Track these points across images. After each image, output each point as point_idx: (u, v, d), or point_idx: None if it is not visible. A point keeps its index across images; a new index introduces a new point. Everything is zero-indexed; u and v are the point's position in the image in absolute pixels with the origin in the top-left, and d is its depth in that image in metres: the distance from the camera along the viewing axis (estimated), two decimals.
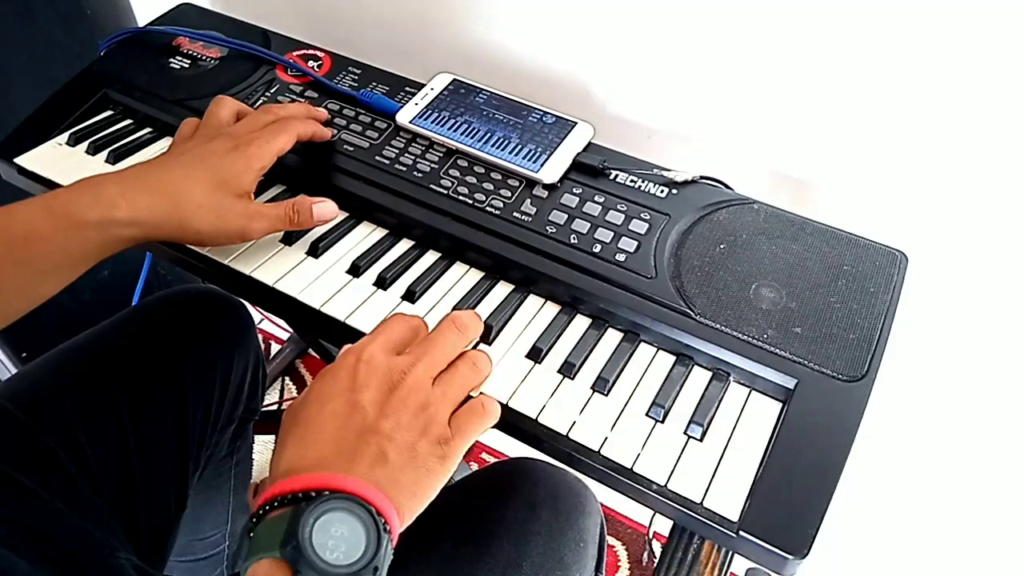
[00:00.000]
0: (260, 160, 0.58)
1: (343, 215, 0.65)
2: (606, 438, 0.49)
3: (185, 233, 0.55)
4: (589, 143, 0.67)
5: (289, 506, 0.37)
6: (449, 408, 0.44)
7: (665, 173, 0.64)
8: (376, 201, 0.64)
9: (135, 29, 0.79)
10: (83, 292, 1.03)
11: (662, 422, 0.51)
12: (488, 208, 0.62)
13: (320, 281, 0.59)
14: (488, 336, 0.55)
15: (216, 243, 0.58)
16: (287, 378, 1.39)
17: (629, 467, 0.48)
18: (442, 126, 0.67)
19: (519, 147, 0.65)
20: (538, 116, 0.68)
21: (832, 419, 0.49)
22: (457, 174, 0.65)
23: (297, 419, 0.43)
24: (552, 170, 0.63)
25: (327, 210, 0.60)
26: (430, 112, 0.69)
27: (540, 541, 0.55)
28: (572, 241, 0.60)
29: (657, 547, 1.16)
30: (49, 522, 0.54)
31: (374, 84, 0.72)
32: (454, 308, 0.57)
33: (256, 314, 1.31)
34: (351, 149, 0.67)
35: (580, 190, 0.63)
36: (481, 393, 0.49)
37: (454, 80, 0.72)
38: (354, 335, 0.56)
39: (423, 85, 0.71)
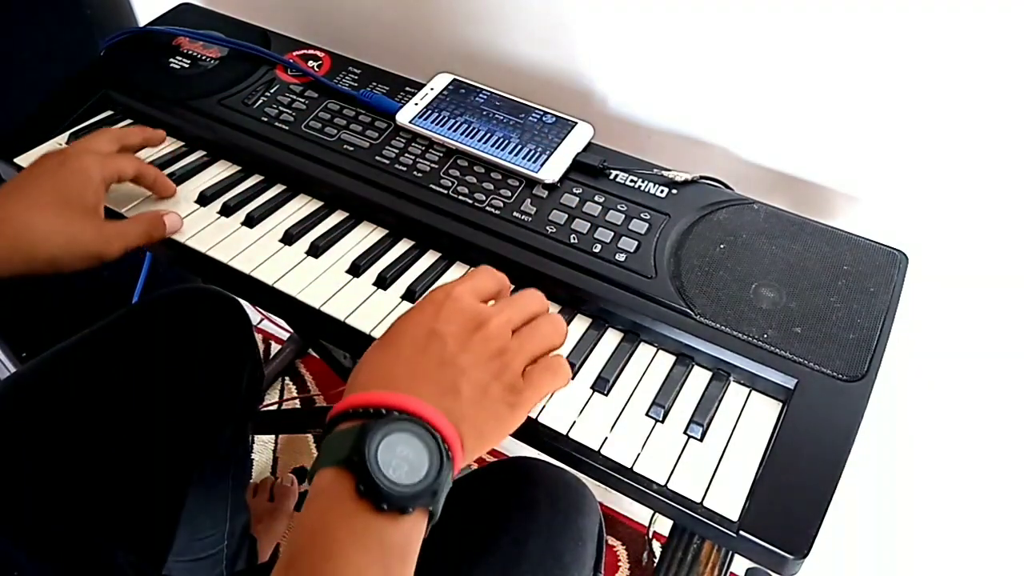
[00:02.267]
0: (99, 171, 0.57)
1: (343, 215, 0.65)
2: (606, 438, 0.49)
3: (37, 262, 0.54)
4: (589, 143, 0.67)
5: (359, 420, 0.37)
6: (525, 360, 0.44)
7: (665, 173, 0.64)
8: (376, 201, 0.64)
9: (135, 29, 0.79)
10: (82, 292, 1.03)
11: (662, 422, 0.51)
12: (488, 208, 0.62)
13: (320, 281, 0.59)
14: None
15: (74, 267, 0.56)
16: (287, 378, 1.39)
17: (629, 467, 0.48)
18: (442, 126, 0.67)
19: (519, 147, 0.65)
20: (538, 116, 0.68)
21: (832, 419, 0.49)
22: (457, 174, 0.65)
23: (379, 343, 0.43)
24: (552, 170, 0.63)
25: (176, 221, 0.61)
26: (430, 112, 0.69)
27: (539, 540, 0.55)
28: (572, 241, 0.60)
29: (657, 547, 1.16)
30: (48, 522, 0.54)
31: (374, 84, 0.72)
32: None
33: (256, 314, 1.31)
34: (351, 149, 0.67)
35: (580, 190, 0.63)
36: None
37: (454, 80, 0.72)
38: (354, 335, 0.56)
39: (423, 85, 0.71)
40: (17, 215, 0.53)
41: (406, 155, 0.66)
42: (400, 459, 0.36)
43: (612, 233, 0.60)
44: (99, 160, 0.58)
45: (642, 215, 0.61)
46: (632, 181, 0.64)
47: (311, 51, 0.76)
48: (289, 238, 0.62)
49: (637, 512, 1.20)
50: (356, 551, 0.34)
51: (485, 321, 0.43)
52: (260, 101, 0.71)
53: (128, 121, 0.73)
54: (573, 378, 0.53)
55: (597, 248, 0.59)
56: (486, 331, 0.43)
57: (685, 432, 0.50)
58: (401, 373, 0.41)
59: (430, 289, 0.46)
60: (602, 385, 0.52)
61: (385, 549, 0.35)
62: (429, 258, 0.62)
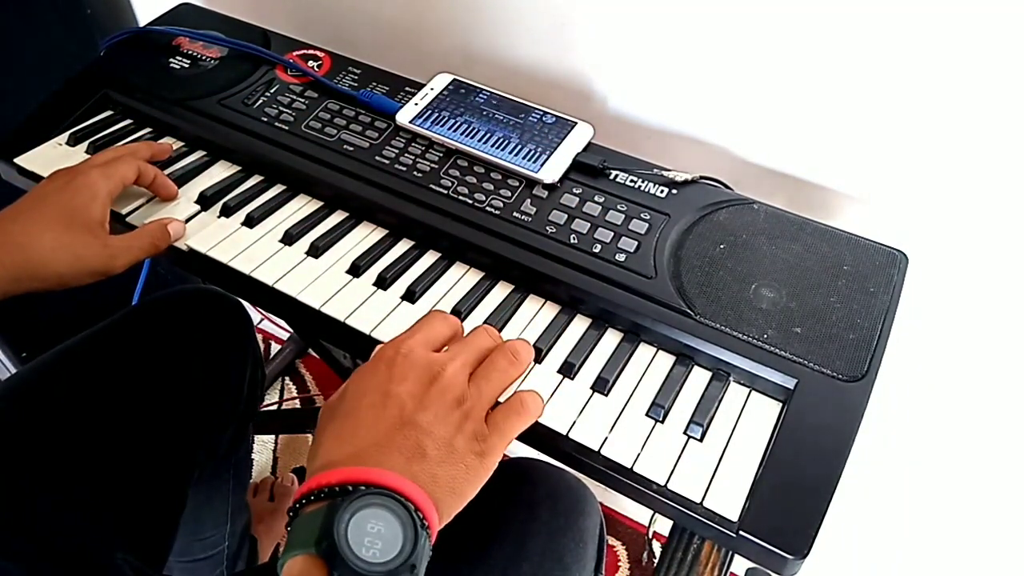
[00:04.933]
0: (104, 185, 0.57)
1: (343, 215, 0.65)
2: (606, 438, 0.49)
3: (45, 281, 0.55)
4: (589, 143, 0.67)
5: (325, 500, 0.36)
6: (486, 403, 0.43)
7: (665, 173, 0.64)
8: (376, 201, 0.64)
9: (135, 29, 0.79)
10: (82, 292, 1.03)
11: (662, 422, 0.51)
12: (488, 208, 0.62)
13: (320, 281, 0.59)
14: None
15: (80, 283, 0.57)
16: (287, 378, 1.39)
17: (629, 467, 0.48)
18: (442, 126, 0.67)
19: (519, 147, 0.65)
20: (538, 116, 0.68)
21: (832, 419, 0.49)
22: (457, 174, 0.65)
23: (334, 413, 0.42)
24: (552, 170, 0.63)
25: (180, 228, 0.62)
26: (430, 112, 0.69)
27: (539, 541, 0.55)
28: (572, 241, 0.60)
29: (657, 547, 1.16)
30: (48, 523, 0.54)
31: (374, 84, 0.72)
32: (454, 308, 0.57)
33: (256, 314, 1.31)
34: (351, 149, 0.67)
35: (580, 190, 0.63)
36: (523, 390, 0.47)
37: (454, 80, 0.72)
38: (354, 335, 0.56)
39: (423, 85, 0.71)
40: (25, 235, 0.54)
41: (406, 155, 0.66)
42: (373, 536, 0.34)
43: (612, 233, 0.60)
44: (103, 173, 0.58)
45: (642, 215, 0.61)
46: (632, 181, 0.64)
47: (311, 51, 0.76)
48: (289, 238, 0.62)
49: (637, 512, 1.20)
50: None
51: (439, 372, 0.42)
52: (260, 101, 0.71)
53: (128, 121, 0.73)
54: (573, 378, 0.53)
55: (597, 248, 0.59)
56: (442, 382, 0.42)
57: (685, 432, 0.50)
58: (362, 444, 0.39)
59: (380, 348, 0.45)
60: (602, 385, 0.52)
61: None
62: (429, 258, 0.62)
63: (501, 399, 0.45)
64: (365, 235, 0.64)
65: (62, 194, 0.56)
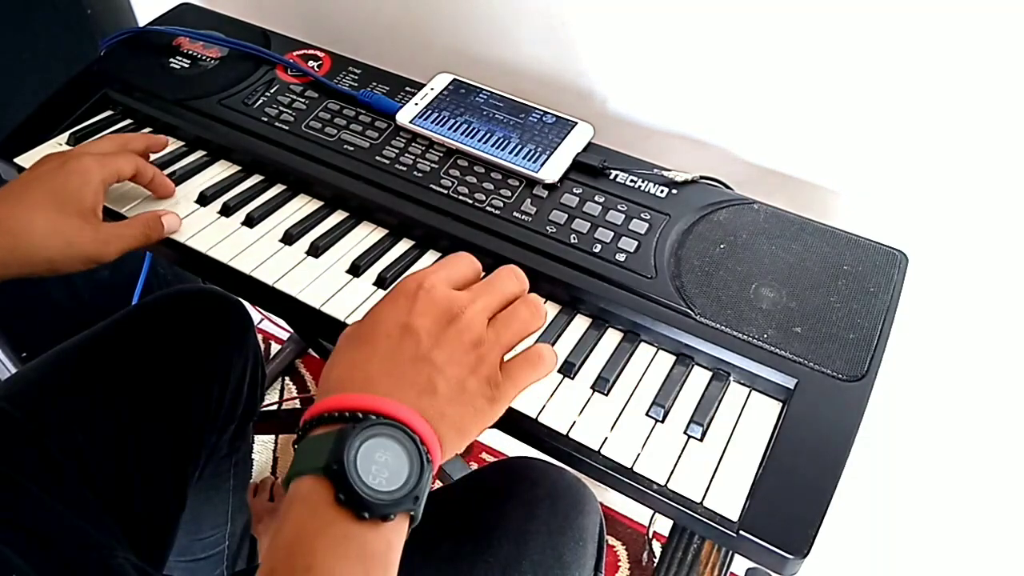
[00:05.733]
0: (98, 172, 0.56)
1: (343, 215, 0.65)
2: (606, 438, 0.49)
3: (35, 266, 0.54)
4: (589, 143, 0.67)
5: (336, 424, 0.36)
6: (502, 350, 0.43)
7: (665, 173, 0.64)
8: (376, 201, 0.64)
9: (135, 29, 0.79)
10: (82, 292, 1.03)
11: (662, 422, 0.51)
12: (488, 208, 0.62)
13: (320, 281, 0.59)
14: None
15: (71, 269, 0.56)
16: (287, 378, 1.39)
17: (629, 467, 0.48)
18: (442, 126, 0.67)
19: (519, 147, 0.65)
20: (538, 116, 0.68)
21: (832, 419, 0.49)
22: (457, 174, 0.65)
23: (351, 338, 0.42)
24: (552, 170, 0.63)
25: (175, 221, 0.61)
26: (430, 112, 0.69)
27: (539, 540, 0.55)
28: (572, 241, 0.60)
29: (657, 547, 1.16)
30: (48, 522, 0.54)
31: (374, 84, 0.72)
32: None
33: (256, 314, 1.31)
34: (351, 149, 0.67)
35: (580, 190, 0.63)
36: (538, 342, 0.47)
37: (454, 80, 0.72)
38: None
39: (423, 85, 0.71)
40: (15, 218, 0.53)
41: (406, 155, 0.66)
42: (380, 465, 0.35)
43: (612, 233, 0.60)
44: (98, 161, 0.58)
45: (642, 215, 0.61)
46: (632, 181, 0.64)
47: (311, 51, 0.76)
48: (289, 238, 0.62)
49: (637, 512, 1.20)
50: (337, 561, 0.34)
51: (460, 312, 0.42)
52: (260, 101, 0.71)
53: (128, 121, 0.73)
54: (573, 377, 0.53)
55: (597, 248, 0.59)
56: (461, 323, 0.41)
57: (685, 432, 0.50)
58: (376, 372, 0.40)
59: (402, 277, 0.44)
60: (602, 385, 0.52)
61: (366, 558, 0.35)
62: (429, 258, 0.62)
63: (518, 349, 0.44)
64: (365, 235, 0.64)
65: (54, 178, 0.55)
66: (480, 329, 0.42)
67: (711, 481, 0.47)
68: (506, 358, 0.43)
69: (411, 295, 0.42)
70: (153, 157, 0.69)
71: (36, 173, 0.56)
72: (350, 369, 0.40)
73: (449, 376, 0.40)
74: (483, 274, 0.47)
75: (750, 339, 0.53)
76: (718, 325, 0.54)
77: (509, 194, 0.63)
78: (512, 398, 0.43)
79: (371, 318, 0.42)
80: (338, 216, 0.65)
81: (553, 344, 0.55)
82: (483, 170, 0.65)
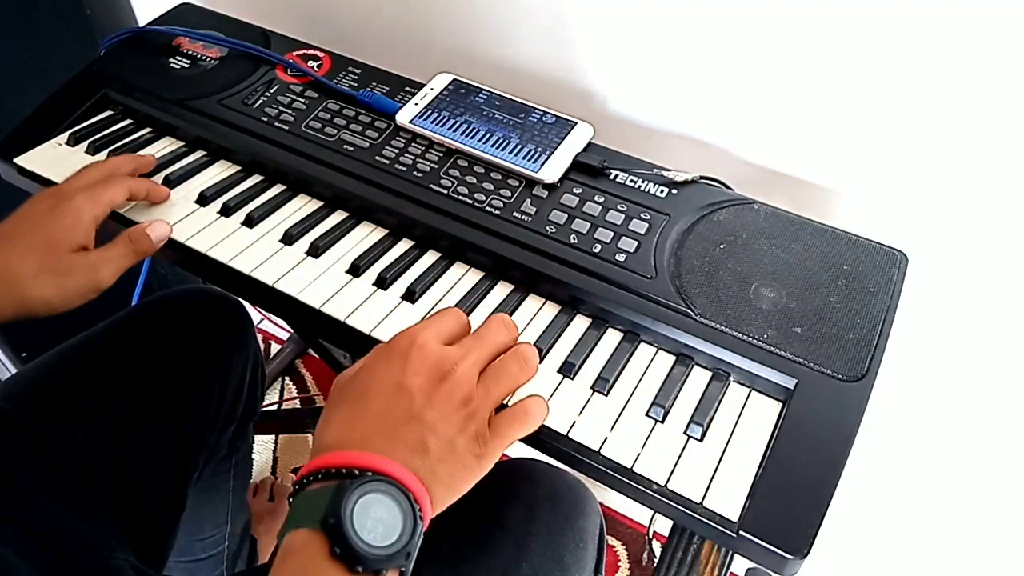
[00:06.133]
0: (90, 211, 0.56)
1: (343, 215, 0.65)
2: (606, 438, 0.49)
3: (32, 307, 0.53)
4: (589, 143, 0.67)
5: (332, 480, 0.38)
6: (490, 407, 0.45)
7: (665, 173, 0.64)
8: (376, 201, 0.64)
9: (135, 29, 0.79)
10: None
11: (662, 422, 0.51)
12: (488, 208, 0.62)
13: (320, 281, 0.59)
14: None
15: (71, 305, 0.55)
16: (287, 378, 1.39)
17: (629, 467, 0.48)
18: (442, 126, 0.67)
19: (519, 147, 0.65)
20: (538, 116, 0.68)
21: (832, 419, 0.49)
22: (457, 174, 0.65)
23: (345, 394, 0.44)
24: (552, 170, 0.63)
25: (162, 229, 0.60)
26: (430, 112, 0.69)
27: (539, 541, 0.55)
28: (572, 241, 0.60)
29: (657, 547, 1.16)
30: (48, 523, 0.54)
31: (374, 84, 0.72)
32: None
33: (256, 314, 1.31)
34: (351, 149, 0.67)
35: (580, 190, 0.63)
36: (530, 396, 0.48)
37: (454, 80, 0.72)
38: (354, 335, 0.56)
39: (423, 85, 0.71)
40: (5, 263, 0.53)
41: (406, 155, 0.66)
42: (375, 521, 0.36)
43: (612, 233, 0.60)
44: (90, 198, 0.57)
45: (642, 215, 0.61)
46: (632, 181, 0.64)
47: (311, 51, 0.76)
48: (289, 238, 0.62)
49: (637, 512, 1.20)
50: None
51: (452, 368, 0.44)
52: (260, 101, 0.71)
53: (128, 121, 0.73)
54: (573, 378, 0.53)
55: (597, 248, 0.59)
56: (452, 380, 0.43)
57: (685, 432, 0.50)
58: (371, 431, 0.41)
59: (396, 335, 0.46)
60: (602, 385, 0.52)
61: None
62: (429, 258, 0.62)
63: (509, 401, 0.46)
64: (365, 235, 0.64)
65: (45, 220, 0.55)
66: (470, 386, 0.44)
67: (711, 481, 0.47)
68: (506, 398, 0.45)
69: (404, 353, 0.44)
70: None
71: (28, 215, 0.56)
72: (347, 427, 0.42)
73: (440, 434, 0.42)
74: (470, 326, 0.49)
75: (750, 339, 0.53)
76: (718, 325, 0.54)
77: (509, 194, 0.63)
78: (500, 453, 0.44)
79: (365, 374, 0.44)
80: (338, 216, 0.65)
81: (553, 344, 0.55)
82: (483, 170, 0.65)
